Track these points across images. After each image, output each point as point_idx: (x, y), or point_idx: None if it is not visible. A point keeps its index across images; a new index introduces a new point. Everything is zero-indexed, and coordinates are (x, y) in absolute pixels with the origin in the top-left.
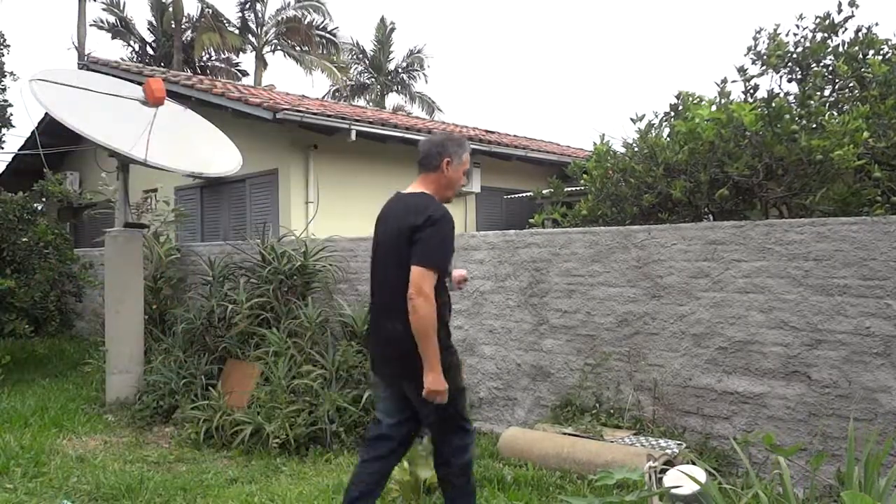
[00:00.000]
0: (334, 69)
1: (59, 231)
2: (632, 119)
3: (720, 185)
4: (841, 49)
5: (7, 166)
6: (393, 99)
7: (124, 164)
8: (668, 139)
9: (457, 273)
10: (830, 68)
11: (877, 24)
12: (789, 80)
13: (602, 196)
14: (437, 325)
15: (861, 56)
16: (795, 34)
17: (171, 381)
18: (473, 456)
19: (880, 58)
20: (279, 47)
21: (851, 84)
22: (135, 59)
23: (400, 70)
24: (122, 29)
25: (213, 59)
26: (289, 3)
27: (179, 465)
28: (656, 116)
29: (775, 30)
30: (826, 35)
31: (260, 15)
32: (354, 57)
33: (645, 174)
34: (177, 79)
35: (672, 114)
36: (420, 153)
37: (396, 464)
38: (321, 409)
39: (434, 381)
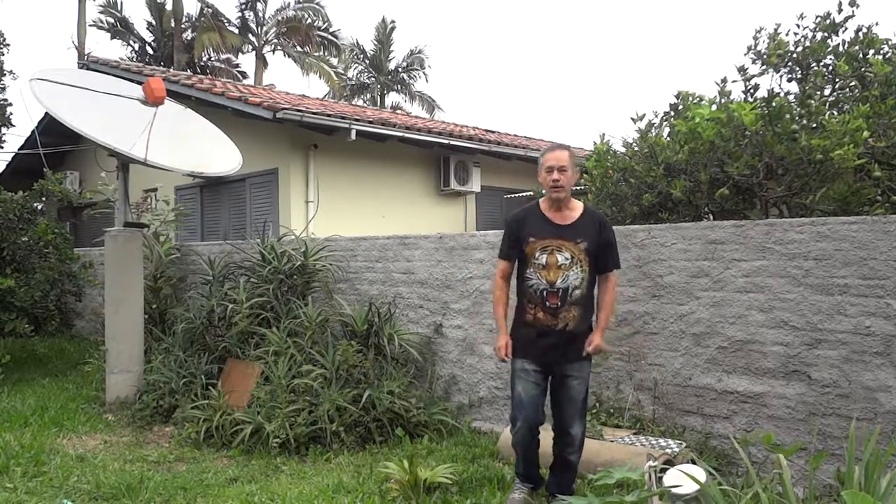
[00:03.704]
0: (332, 73)
1: (60, 230)
2: (632, 119)
3: (720, 184)
4: (841, 48)
5: (7, 166)
6: (393, 98)
7: (124, 163)
8: (669, 139)
9: None
10: (831, 68)
11: (877, 24)
12: (789, 80)
13: (602, 195)
14: (517, 302)
15: (861, 55)
16: (796, 34)
17: (171, 381)
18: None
19: (881, 57)
20: (279, 47)
21: (852, 83)
22: (135, 59)
23: (400, 70)
24: (121, 29)
25: (213, 59)
26: (289, 4)
27: (179, 464)
28: (656, 116)
29: (775, 29)
30: (826, 34)
31: (260, 14)
32: (355, 56)
33: (645, 174)
34: (177, 78)
35: (672, 113)
36: None
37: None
38: (321, 408)
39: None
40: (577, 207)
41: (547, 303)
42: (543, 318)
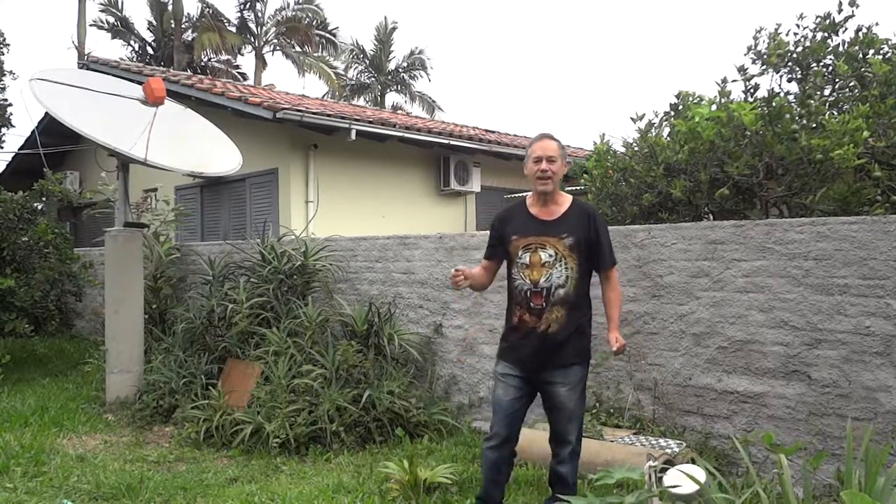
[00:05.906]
0: (331, 73)
1: (60, 230)
2: (632, 118)
3: (720, 184)
4: (841, 48)
5: (7, 166)
6: (393, 98)
7: (124, 163)
8: (669, 139)
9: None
10: (831, 68)
11: (877, 24)
12: (789, 80)
13: (602, 195)
14: (507, 306)
15: (861, 55)
16: (796, 34)
17: (171, 381)
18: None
19: (881, 57)
20: (279, 47)
21: (852, 83)
22: (135, 59)
23: (400, 70)
24: (121, 29)
25: (213, 60)
26: (288, 4)
27: (179, 464)
28: (656, 116)
29: (776, 29)
30: (826, 34)
31: (260, 14)
32: (355, 56)
33: (645, 174)
34: (177, 78)
35: (672, 113)
36: None
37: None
38: (321, 408)
39: None
40: (565, 202)
41: (531, 303)
42: (529, 319)
